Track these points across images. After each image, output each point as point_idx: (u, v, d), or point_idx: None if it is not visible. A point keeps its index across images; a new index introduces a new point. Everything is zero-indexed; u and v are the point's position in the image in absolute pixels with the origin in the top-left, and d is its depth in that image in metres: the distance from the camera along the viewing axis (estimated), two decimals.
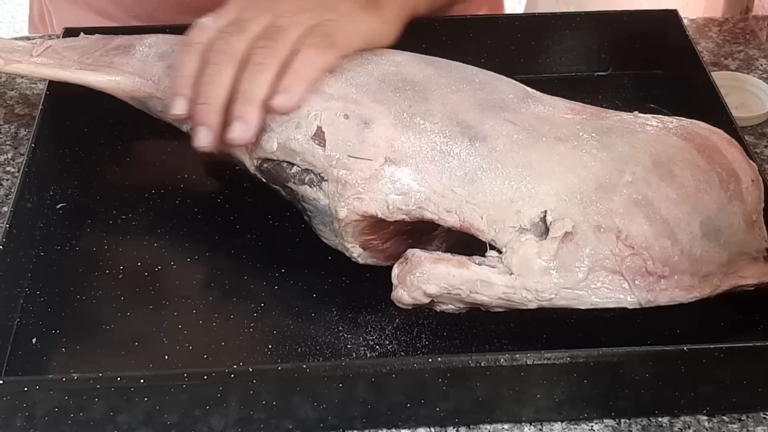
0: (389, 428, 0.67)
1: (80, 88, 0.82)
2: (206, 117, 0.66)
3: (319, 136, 0.71)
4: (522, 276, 0.66)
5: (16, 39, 0.97)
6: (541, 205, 0.67)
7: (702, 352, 0.65)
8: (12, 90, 0.95)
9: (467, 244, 0.69)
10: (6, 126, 0.91)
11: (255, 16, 0.70)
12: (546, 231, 0.67)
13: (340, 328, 0.72)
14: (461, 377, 0.65)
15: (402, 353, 0.70)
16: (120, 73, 0.81)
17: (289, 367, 0.67)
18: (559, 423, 0.67)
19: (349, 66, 0.76)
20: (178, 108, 0.66)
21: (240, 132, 0.66)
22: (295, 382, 0.64)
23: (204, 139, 0.65)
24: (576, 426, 0.67)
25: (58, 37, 0.90)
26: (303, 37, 0.69)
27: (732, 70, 0.98)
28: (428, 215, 0.68)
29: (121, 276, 0.76)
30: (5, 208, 0.81)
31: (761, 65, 0.99)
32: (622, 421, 0.67)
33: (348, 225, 0.70)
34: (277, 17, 0.69)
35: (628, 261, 0.66)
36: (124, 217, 0.81)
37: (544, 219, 0.67)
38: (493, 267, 0.67)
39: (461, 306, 0.69)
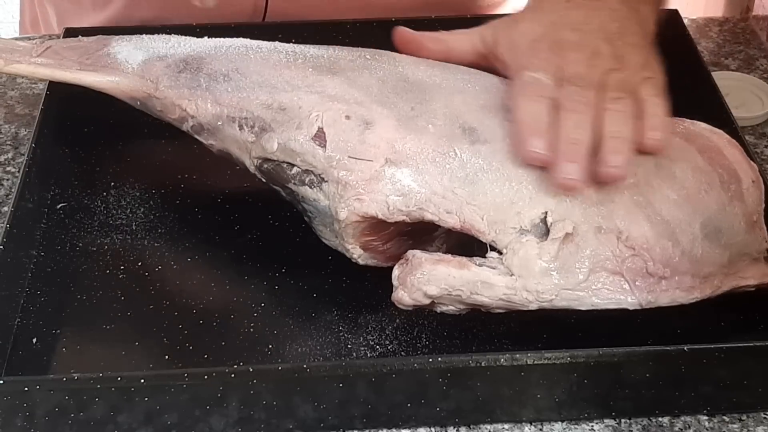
0: (389, 428, 0.67)
1: (80, 88, 0.82)
2: (577, 155, 0.68)
3: (320, 137, 0.71)
4: (522, 277, 0.66)
5: (16, 39, 0.97)
6: (542, 206, 0.67)
7: (702, 352, 0.65)
8: (12, 90, 0.95)
9: (468, 245, 0.69)
10: (6, 126, 0.91)
11: (590, 72, 0.72)
12: (546, 232, 0.67)
13: (341, 328, 0.72)
14: (461, 377, 0.65)
15: (402, 353, 0.70)
16: (120, 73, 0.81)
17: (290, 367, 0.67)
18: (560, 423, 0.67)
19: (351, 67, 0.76)
20: (538, 146, 0.68)
21: (619, 164, 0.68)
22: (296, 382, 0.64)
23: (575, 173, 0.67)
24: (576, 426, 0.67)
25: (58, 37, 0.90)
26: (642, 90, 0.73)
27: (732, 70, 0.98)
28: (429, 216, 0.68)
29: (121, 276, 0.76)
30: (5, 208, 0.81)
31: (761, 65, 0.99)
32: (623, 421, 0.67)
33: (348, 226, 0.70)
34: (605, 73, 0.72)
35: (629, 262, 0.66)
36: (124, 217, 0.81)
37: (544, 220, 0.67)
38: (493, 268, 0.67)
39: (462, 307, 0.69)
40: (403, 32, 0.80)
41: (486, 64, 0.79)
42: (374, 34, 0.89)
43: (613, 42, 0.74)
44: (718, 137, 0.74)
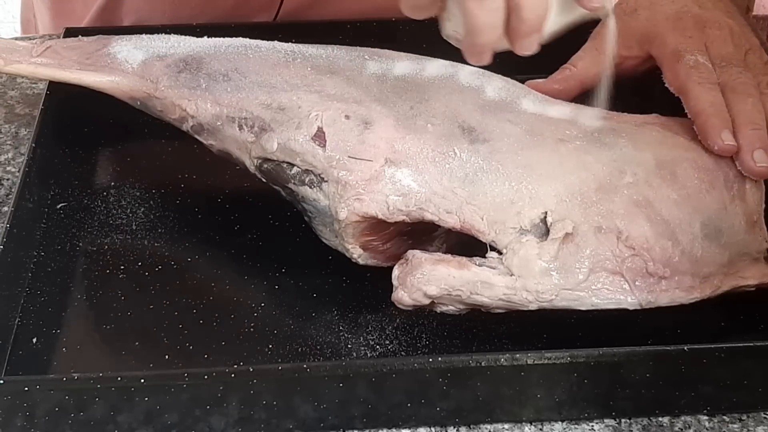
0: (389, 428, 0.67)
1: (80, 88, 0.82)
2: (762, 140, 0.69)
3: (320, 137, 0.71)
4: (522, 277, 0.66)
5: (16, 39, 0.97)
6: (542, 206, 0.67)
7: (702, 352, 0.65)
8: (13, 90, 0.95)
9: (468, 245, 0.69)
10: (6, 126, 0.91)
11: (734, 53, 0.74)
12: (546, 232, 0.67)
13: (341, 328, 0.72)
14: (462, 377, 0.65)
15: (402, 353, 0.70)
16: (120, 73, 0.81)
17: (290, 366, 0.67)
18: (560, 423, 0.67)
19: (350, 66, 0.76)
20: (730, 138, 0.69)
21: None
22: (296, 381, 0.64)
23: (766, 160, 0.69)
24: (576, 426, 0.67)
25: (58, 37, 0.90)
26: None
27: None
28: (428, 216, 0.68)
29: (121, 276, 0.76)
30: (5, 208, 0.81)
31: None
32: (623, 421, 0.67)
33: (348, 226, 0.70)
34: (746, 54, 0.75)
35: (629, 262, 0.66)
36: (124, 217, 0.81)
37: (544, 220, 0.67)
38: (493, 268, 0.67)
39: (462, 307, 0.69)
40: (533, 86, 0.80)
41: (616, 71, 0.78)
42: (374, 34, 0.89)
43: (733, 18, 0.77)
44: None
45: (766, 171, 0.69)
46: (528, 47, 0.67)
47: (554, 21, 0.67)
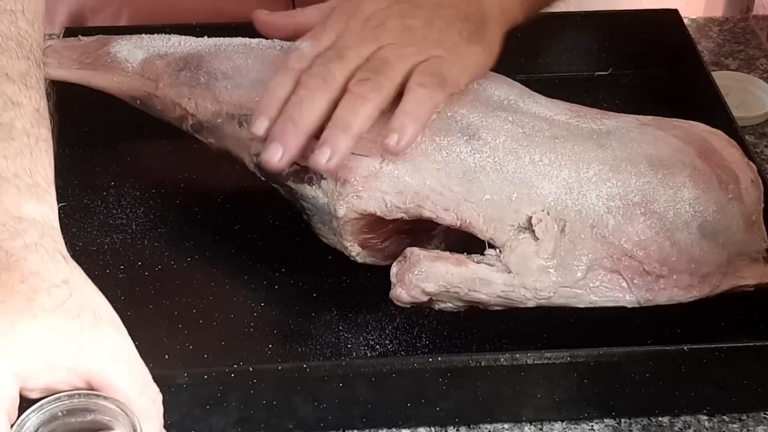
0: (389, 428, 0.67)
1: (80, 88, 0.82)
2: (287, 136, 0.64)
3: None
4: (520, 274, 0.66)
5: None
6: (540, 203, 0.67)
7: (702, 352, 0.65)
8: None
9: (466, 242, 0.69)
10: None
11: (356, 45, 0.67)
12: (544, 230, 0.67)
13: (340, 328, 0.72)
14: (461, 377, 0.65)
15: (402, 353, 0.70)
16: (120, 72, 0.81)
17: (290, 366, 0.67)
18: (560, 423, 0.67)
19: None
20: (259, 127, 0.64)
21: (325, 158, 0.64)
22: (296, 381, 0.64)
23: (275, 156, 0.63)
24: (576, 426, 0.67)
25: (58, 37, 0.90)
26: (410, 73, 0.67)
27: (732, 70, 0.98)
28: (426, 213, 0.68)
29: (121, 276, 0.76)
30: None
31: (761, 65, 0.99)
32: (623, 420, 0.67)
33: (347, 223, 0.70)
34: (379, 48, 0.67)
35: (626, 260, 0.66)
36: (124, 217, 0.81)
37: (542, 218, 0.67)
38: (491, 265, 0.67)
39: (460, 304, 0.69)
40: (260, 15, 0.75)
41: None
42: None
43: (416, 15, 0.69)
44: (717, 138, 0.73)
45: (266, 165, 0.64)
46: None
47: None
